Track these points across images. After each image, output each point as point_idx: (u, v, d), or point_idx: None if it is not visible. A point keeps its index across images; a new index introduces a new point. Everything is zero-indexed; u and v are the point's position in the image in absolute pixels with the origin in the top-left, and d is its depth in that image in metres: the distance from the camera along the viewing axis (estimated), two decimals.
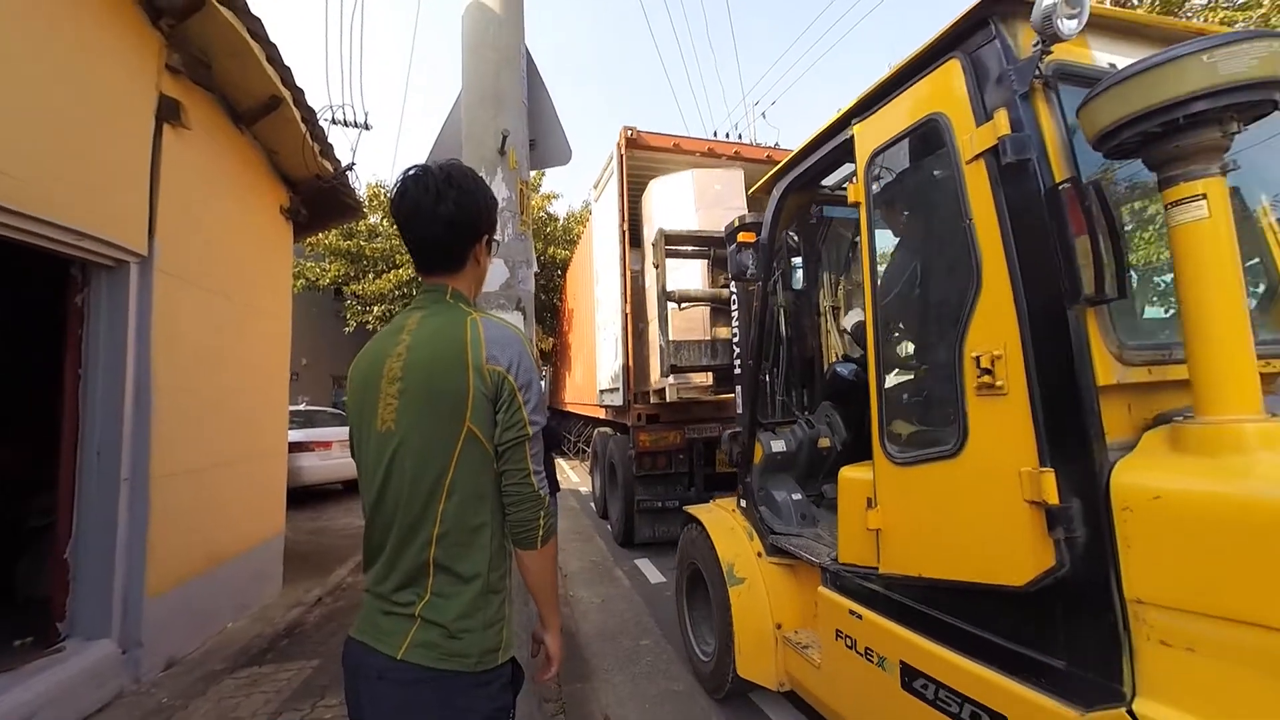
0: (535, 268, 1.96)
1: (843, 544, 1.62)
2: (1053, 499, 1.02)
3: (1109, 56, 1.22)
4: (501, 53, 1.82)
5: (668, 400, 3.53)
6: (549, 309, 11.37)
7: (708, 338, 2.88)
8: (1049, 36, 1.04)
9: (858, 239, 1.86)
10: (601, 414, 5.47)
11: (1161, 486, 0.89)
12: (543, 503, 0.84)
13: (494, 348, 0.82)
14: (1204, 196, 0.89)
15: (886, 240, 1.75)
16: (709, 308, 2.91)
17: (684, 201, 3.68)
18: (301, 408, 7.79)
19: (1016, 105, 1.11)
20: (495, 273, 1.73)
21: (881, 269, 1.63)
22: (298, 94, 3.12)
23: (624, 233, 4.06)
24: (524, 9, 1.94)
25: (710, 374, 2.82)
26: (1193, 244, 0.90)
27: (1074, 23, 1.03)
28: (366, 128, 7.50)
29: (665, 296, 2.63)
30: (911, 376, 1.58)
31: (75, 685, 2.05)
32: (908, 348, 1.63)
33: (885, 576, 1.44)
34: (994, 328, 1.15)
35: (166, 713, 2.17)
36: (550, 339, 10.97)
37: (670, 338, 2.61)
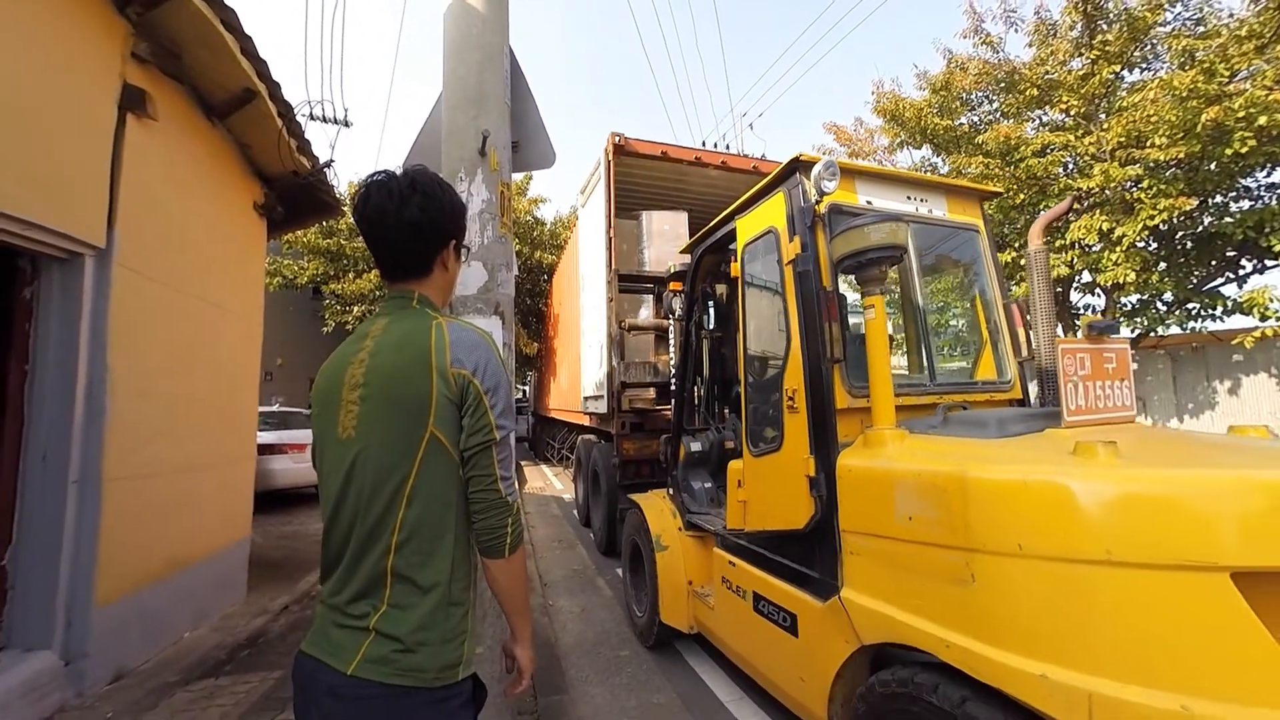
0: (515, 271, 2.16)
1: (728, 515, 2.47)
2: (813, 473, 1.87)
3: (867, 196, 2.10)
4: (485, 52, 1.88)
5: (621, 408, 4.10)
6: (534, 314, 12.06)
7: (652, 360, 3.76)
8: (819, 191, 1.91)
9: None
10: (586, 421, 5.74)
11: (852, 465, 1.74)
12: (511, 509, 0.86)
13: (459, 350, 0.85)
14: (874, 306, 1.75)
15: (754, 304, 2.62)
16: (654, 335, 3.79)
17: (638, 236, 4.47)
18: (275, 409, 7.99)
19: (804, 233, 1.97)
20: (474, 276, 1.82)
21: (749, 325, 2.50)
22: (274, 88, 3.20)
23: (610, 239, 4.31)
24: (509, 8, 2.01)
25: (653, 390, 3.70)
26: (871, 332, 1.76)
27: (833, 184, 1.90)
28: (346, 124, 7.85)
29: (619, 325, 3.50)
30: (761, 400, 2.45)
31: (9, 699, 2.03)
32: (761, 380, 2.49)
33: (748, 534, 2.29)
34: (794, 372, 2.01)
35: None
36: (535, 344, 11.66)
37: (623, 359, 3.49)
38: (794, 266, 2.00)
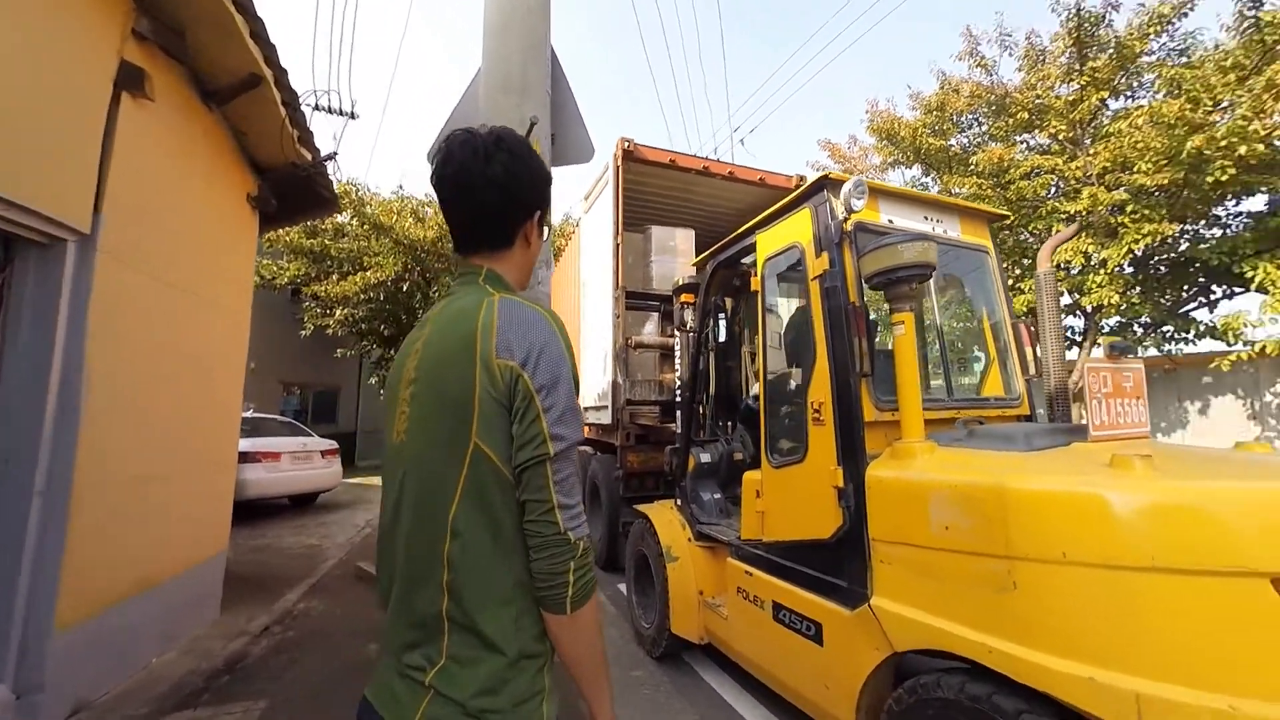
0: (552, 269, 2.11)
1: (743, 525, 2.51)
2: (841, 484, 1.93)
3: (889, 215, 2.20)
4: (528, 39, 1.89)
5: (624, 421, 4.10)
6: None
7: (657, 378, 3.81)
8: (848, 209, 1.99)
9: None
10: (585, 432, 5.70)
11: (883, 476, 1.81)
12: (573, 549, 0.70)
13: (507, 332, 0.72)
14: (904, 322, 1.83)
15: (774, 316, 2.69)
16: (658, 353, 3.84)
17: (645, 251, 4.55)
18: (248, 415, 7.72)
19: (832, 250, 2.05)
20: None
21: (770, 339, 2.57)
22: (280, 74, 3.07)
23: (618, 246, 4.24)
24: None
25: (657, 407, 3.75)
26: (901, 347, 1.84)
27: (861, 201, 1.98)
28: (353, 116, 7.51)
29: (626, 343, 3.55)
30: (783, 412, 2.50)
31: None
32: (783, 392, 2.55)
33: (766, 543, 2.33)
34: (821, 385, 2.07)
35: None
36: None
37: (628, 376, 3.53)
38: (821, 282, 2.08)
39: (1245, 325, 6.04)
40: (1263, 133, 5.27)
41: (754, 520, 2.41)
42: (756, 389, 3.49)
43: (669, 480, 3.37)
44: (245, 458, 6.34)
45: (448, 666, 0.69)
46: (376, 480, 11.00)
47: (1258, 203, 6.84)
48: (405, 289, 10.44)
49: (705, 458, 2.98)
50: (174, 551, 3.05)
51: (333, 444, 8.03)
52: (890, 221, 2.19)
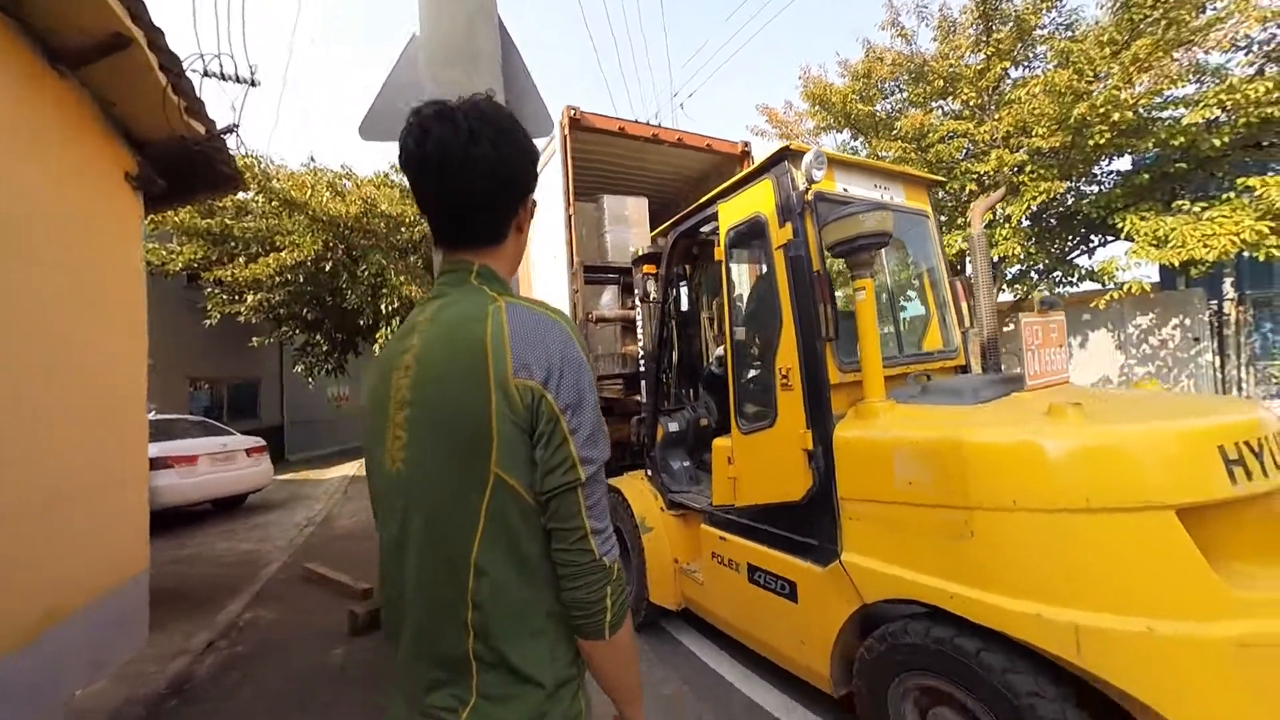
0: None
1: (715, 491, 2.58)
2: (810, 446, 2.02)
3: (843, 183, 2.26)
4: (473, 3, 1.76)
5: None
6: None
7: (618, 351, 3.77)
8: (809, 180, 2.01)
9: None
10: None
11: (849, 436, 1.91)
12: (609, 574, 0.68)
13: (524, 351, 0.66)
14: (864, 288, 1.90)
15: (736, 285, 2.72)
16: (619, 326, 3.79)
17: (599, 221, 4.42)
18: (152, 417, 7.37)
19: (795, 219, 2.08)
20: None
21: (734, 307, 2.59)
22: (155, 34, 2.72)
23: (570, 217, 4.07)
24: None
25: (621, 380, 3.72)
26: (862, 312, 1.92)
27: (820, 172, 2.01)
28: (252, 84, 6.83)
29: (587, 318, 3.46)
30: (750, 378, 2.57)
31: None
32: (749, 359, 2.61)
33: (739, 508, 2.42)
34: (788, 351, 2.13)
35: None
36: None
37: (589, 352, 3.47)
38: (785, 251, 2.11)
39: (1117, 269, 6.93)
40: (1131, 101, 5.91)
41: (726, 486, 2.49)
42: (716, 355, 3.56)
43: (635, 451, 3.43)
44: (158, 463, 5.87)
45: (480, 706, 0.65)
46: (312, 475, 10.42)
47: (1126, 163, 7.78)
48: (328, 269, 9.54)
49: (673, 426, 3.01)
50: (84, 578, 2.80)
51: (258, 441, 7.47)
52: (845, 190, 2.25)
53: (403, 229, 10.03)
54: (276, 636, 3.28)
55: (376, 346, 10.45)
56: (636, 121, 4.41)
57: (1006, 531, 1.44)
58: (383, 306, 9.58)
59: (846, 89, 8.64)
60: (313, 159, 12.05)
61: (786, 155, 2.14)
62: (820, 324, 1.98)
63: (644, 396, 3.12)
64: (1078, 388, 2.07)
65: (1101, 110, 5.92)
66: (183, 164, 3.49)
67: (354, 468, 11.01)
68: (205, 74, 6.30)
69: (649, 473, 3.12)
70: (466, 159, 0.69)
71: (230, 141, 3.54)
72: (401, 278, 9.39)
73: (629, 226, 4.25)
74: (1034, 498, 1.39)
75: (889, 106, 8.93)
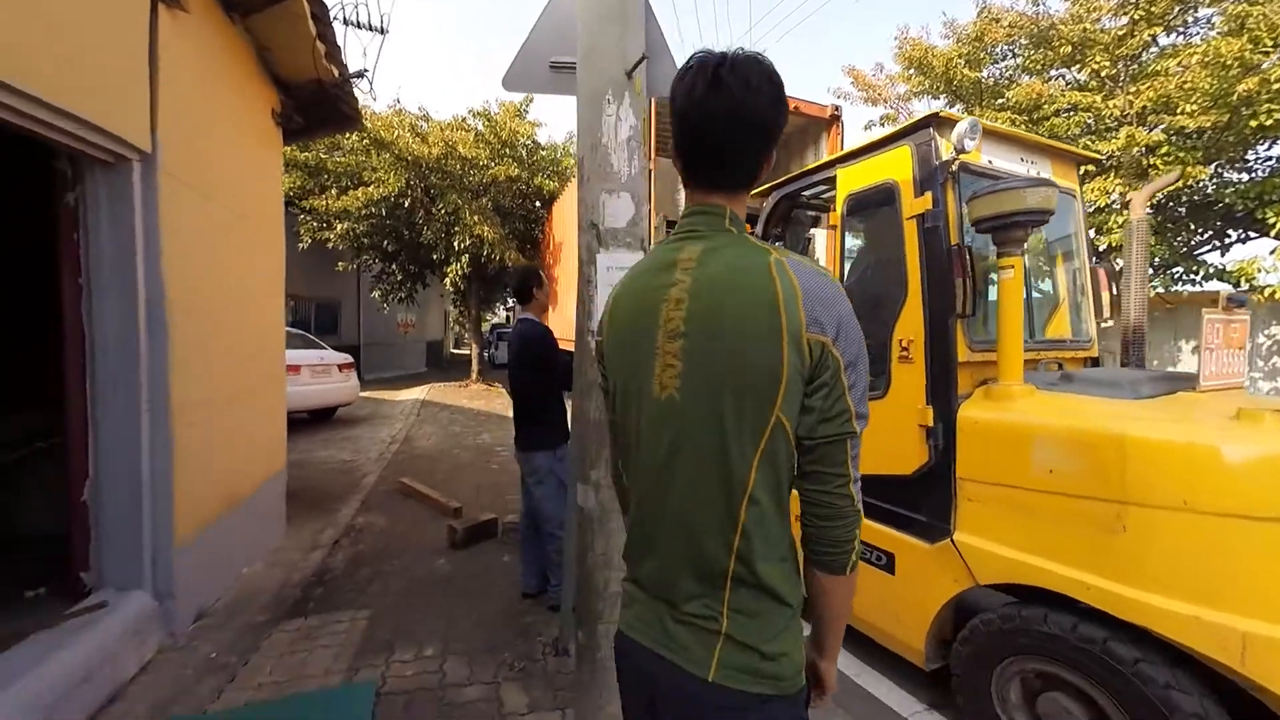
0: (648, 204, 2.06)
1: None
2: (929, 423, 1.97)
3: (989, 155, 2.10)
4: None
5: None
6: (529, 240, 11.80)
7: None
8: (959, 150, 1.89)
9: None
10: None
11: (976, 417, 1.84)
12: (860, 518, 0.75)
13: (816, 307, 0.70)
14: (1013, 266, 1.79)
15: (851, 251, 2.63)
16: None
17: (675, 177, 4.30)
18: None
19: (936, 190, 1.97)
20: (623, 208, 1.74)
21: (848, 274, 2.51)
22: None
23: (650, 171, 3.99)
24: None
25: None
26: (1007, 291, 1.81)
27: (974, 143, 1.88)
28: (383, 32, 7.29)
29: None
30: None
31: (119, 642, 2.02)
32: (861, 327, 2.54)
33: None
34: (910, 323, 2.06)
35: (224, 669, 2.16)
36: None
37: None
38: (920, 221, 2.01)
39: (1260, 270, 6.11)
40: None
41: None
42: None
43: None
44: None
45: (736, 617, 0.73)
46: (388, 395, 10.96)
47: None
48: (407, 205, 10.00)
49: None
50: (251, 470, 3.18)
51: (348, 358, 7.68)
52: (990, 162, 2.09)
53: (474, 171, 10.22)
54: (389, 544, 3.57)
55: (446, 281, 10.92)
56: None
57: (1169, 531, 1.36)
58: (455, 243, 9.94)
59: (951, 51, 7.90)
60: (398, 100, 12.46)
61: (933, 122, 2.01)
62: (958, 299, 1.89)
63: None
64: (1252, 395, 1.89)
65: (1276, 86, 5.12)
66: (312, 104, 3.81)
67: (422, 391, 11.40)
68: (344, 22, 6.66)
69: None
70: (753, 111, 0.73)
71: (362, 85, 3.83)
72: (476, 218, 9.66)
73: None
74: (1211, 501, 1.31)
75: (997, 73, 8.11)
